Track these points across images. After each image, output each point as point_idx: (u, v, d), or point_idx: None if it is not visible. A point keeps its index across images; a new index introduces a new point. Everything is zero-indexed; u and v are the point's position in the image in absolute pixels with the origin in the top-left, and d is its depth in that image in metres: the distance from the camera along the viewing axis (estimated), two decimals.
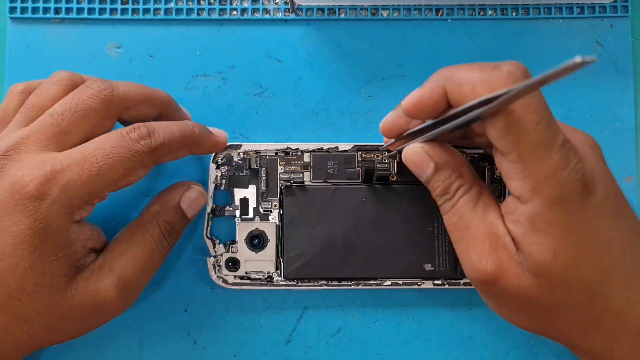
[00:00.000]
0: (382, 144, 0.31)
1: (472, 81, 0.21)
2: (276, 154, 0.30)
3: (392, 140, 0.27)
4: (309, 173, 0.30)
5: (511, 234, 0.22)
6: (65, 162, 0.23)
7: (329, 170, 0.30)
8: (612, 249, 0.22)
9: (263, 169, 0.30)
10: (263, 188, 0.30)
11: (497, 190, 0.31)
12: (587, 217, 0.22)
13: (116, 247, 0.25)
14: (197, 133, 0.26)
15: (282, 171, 0.30)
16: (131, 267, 0.25)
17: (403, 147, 0.25)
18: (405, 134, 0.26)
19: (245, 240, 0.30)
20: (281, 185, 0.30)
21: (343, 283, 0.30)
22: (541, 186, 0.21)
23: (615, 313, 0.22)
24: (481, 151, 0.31)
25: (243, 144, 0.31)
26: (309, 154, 0.30)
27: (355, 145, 0.31)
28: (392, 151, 0.29)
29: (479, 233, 0.23)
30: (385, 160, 0.30)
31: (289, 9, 0.32)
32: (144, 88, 0.27)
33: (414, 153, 0.24)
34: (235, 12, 0.32)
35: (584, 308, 0.22)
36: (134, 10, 0.32)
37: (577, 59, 0.15)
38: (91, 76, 0.27)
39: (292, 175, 0.30)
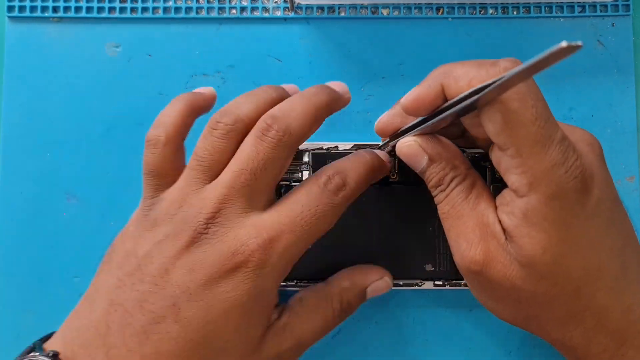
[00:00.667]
0: (382, 143, 0.31)
1: (468, 76, 0.22)
2: None
3: (388, 139, 0.27)
4: (308, 172, 0.30)
5: (503, 225, 0.23)
6: (278, 229, 0.23)
7: None
8: (601, 250, 0.22)
9: None
10: None
11: (499, 191, 0.30)
12: (580, 216, 0.22)
13: (301, 311, 0.26)
14: (377, 165, 0.26)
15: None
16: (310, 335, 0.26)
17: (396, 141, 0.26)
18: (399, 131, 0.26)
19: None
20: (281, 186, 0.30)
21: None
22: (538, 182, 0.21)
23: (597, 310, 0.23)
24: (481, 151, 0.31)
25: None
26: (308, 153, 0.30)
27: (355, 144, 0.31)
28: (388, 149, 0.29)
29: (470, 222, 0.23)
30: None
31: (288, 7, 0.32)
32: (310, 106, 0.25)
33: (408, 146, 0.25)
34: (234, 11, 0.32)
35: (567, 302, 0.23)
36: (133, 9, 0.32)
37: (563, 44, 0.16)
38: (248, 100, 0.25)
39: (292, 175, 0.30)
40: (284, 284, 0.30)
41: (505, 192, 0.23)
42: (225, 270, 0.23)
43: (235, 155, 0.24)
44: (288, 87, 0.27)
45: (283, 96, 0.26)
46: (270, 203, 0.24)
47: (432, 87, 0.23)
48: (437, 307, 0.31)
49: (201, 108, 0.27)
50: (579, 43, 0.15)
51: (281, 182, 0.30)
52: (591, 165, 0.22)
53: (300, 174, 0.30)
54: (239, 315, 0.23)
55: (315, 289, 0.27)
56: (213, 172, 0.24)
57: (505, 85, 0.19)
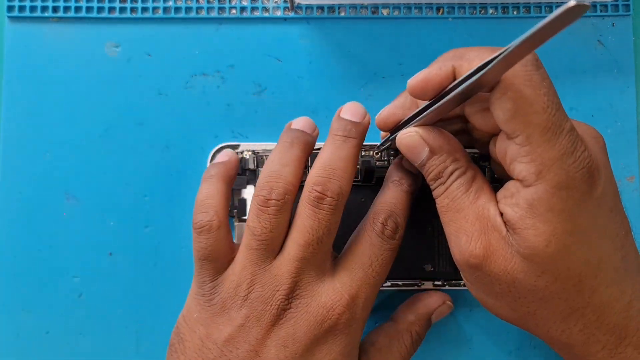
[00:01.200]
0: (381, 141, 0.31)
1: (482, 58, 0.21)
2: None
3: (388, 136, 0.27)
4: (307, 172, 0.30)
5: (506, 217, 0.22)
6: (356, 286, 0.25)
7: None
8: (604, 242, 0.22)
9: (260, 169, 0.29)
10: None
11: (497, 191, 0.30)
12: (587, 208, 0.22)
13: (377, 355, 0.27)
14: (414, 190, 0.27)
15: None
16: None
17: (396, 135, 0.25)
18: (400, 123, 0.26)
19: None
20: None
21: None
22: (547, 170, 0.21)
23: (597, 306, 0.22)
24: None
25: (241, 144, 0.31)
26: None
27: None
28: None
29: (470, 216, 0.23)
30: (382, 156, 0.30)
31: (288, 7, 0.32)
32: (349, 156, 0.25)
33: (408, 136, 0.24)
34: (234, 11, 0.32)
35: (568, 297, 0.22)
36: (133, 9, 0.32)
37: (571, 2, 0.14)
38: (275, 177, 0.25)
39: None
40: None
41: (510, 184, 0.23)
42: (318, 338, 0.24)
43: (297, 228, 0.24)
44: (301, 123, 0.27)
45: (310, 144, 0.27)
46: (333, 259, 0.26)
47: (442, 68, 0.23)
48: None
49: (233, 178, 0.28)
50: (587, 3, 0.14)
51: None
52: (597, 158, 0.22)
53: (307, 170, 0.29)
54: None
55: (384, 328, 0.28)
56: (274, 247, 0.25)
57: (511, 57, 0.19)
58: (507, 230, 0.22)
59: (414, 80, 0.23)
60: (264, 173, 0.25)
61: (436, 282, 0.30)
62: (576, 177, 0.21)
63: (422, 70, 0.23)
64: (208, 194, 0.26)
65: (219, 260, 0.25)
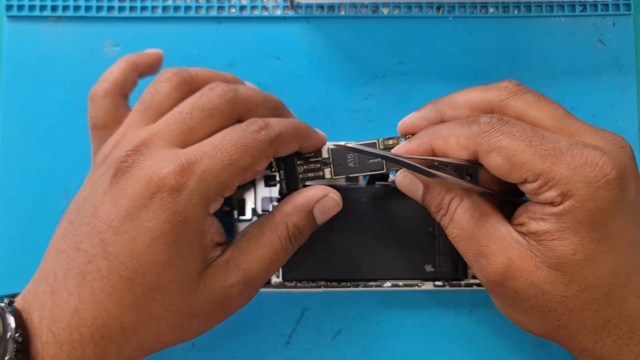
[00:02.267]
0: (381, 140, 0.31)
1: (456, 136, 0.24)
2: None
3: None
4: (329, 169, 0.28)
5: (530, 230, 0.23)
6: (197, 154, 0.23)
7: (349, 164, 0.28)
8: (633, 251, 0.22)
9: (281, 170, 0.28)
10: (284, 190, 0.28)
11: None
12: (615, 216, 0.22)
13: (244, 244, 0.25)
14: (303, 127, 0.27)
15: (301, 170, 0.28)
16: (256, 265, 0.24)
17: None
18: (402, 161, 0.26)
19: None
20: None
21: (342, 284, 0.30)
22: (567, 188, 0.21)
23: (629, 316, 0.22)
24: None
25: None
26: (326, 149, 0.29)
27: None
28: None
29: (483, 239, 0.23)
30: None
31: (288, 6, 0.32)
32: (260, 92, 0.27)
33: (402, 177, 0.26)
34: (233, 10, 0.32)
35: (599, 307, 0.22)
36: (132, 8, 0.32)
37: None
38: (199, 68, 0.26)
39: (312, 174, 0.28)
40: (290, 286, 0.30)
41: (534, 206, 0.23)
42: (144, 199, 0.22)
43: (184, 101, 0.25)
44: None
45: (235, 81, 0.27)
46: None
47: (421, 146, 0.25)
48: (437, 307, 0.31)
49: (145, 66, 0.28)
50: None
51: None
52: (625, 166, 0.22)
53: (321, 172, 0.29)
54: (165, 246, 0.22)
55: (259, 219, 0.26)
56: (151, 113, 0.25)
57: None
58: (530, 243, 0.23)
59: (401, 126, 0.27)
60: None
61: (437, 283, 0.30)
62: (599, 187, 0.21)
63: (404, 142, 0.26)
64: (108, 71, 0.26)
65: (102, 128, 0.25)
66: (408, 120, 0.27)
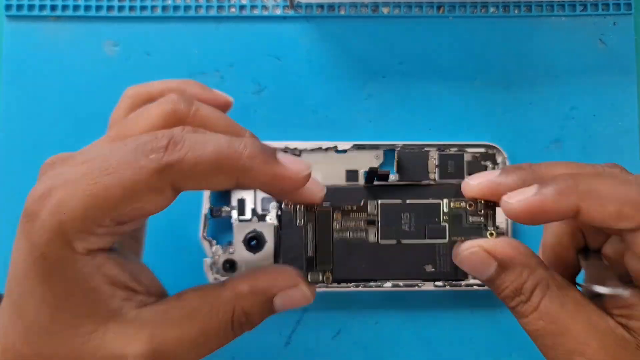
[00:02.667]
0: (382, 143, 0.31)
1: (619, 198, 0.18)
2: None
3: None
4: (375, 231, 0.24)
5: (635, 328, 0.19)
6: (64, 178, 0.18)
7: (404, 227, 0.23)
8: None
9: (310, 223, 0.24)
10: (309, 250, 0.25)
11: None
12: None
13: (173, 311, 0.20)
14: (245, 154, 0.19)
15: (338, 227, 0.24)
16: (174, 345, 0.19)
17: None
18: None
19: (243, 241, 0.30)
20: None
21: (342, 285, 0.30)
22: None
23: None
24: (482, 150, 0.31)
25: None
26: (374, 204, 0.25)
27: (354, 144, 0.30)
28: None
29: (581, 335, 0.19)
30: (479, 211, 0.23)
31: (288, 5, 0.32)
32: (212, 153, 0.19)
33: (470, 253, 0.21)
34: (233, 9, 0.32)
35: None
36: (131, 8, 0.32)
37: None
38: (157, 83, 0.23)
39: (353, 234, 0.24)
40: None
41: (631, 296, 0.19)
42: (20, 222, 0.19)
43: None
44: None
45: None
46: None
47: (561, 202, 0.18)
48: (437, 308, 0.31)
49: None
50: None
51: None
52: None
53: (364, 232, 0.26)
54: (37, 282, 0.18)
55: (206, 287, 0.21)
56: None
57: None
58: (638, 340, 0.19)
59: (473, 188, 0.21)
60: None
61: (437, 283, 0.30)
62: None
63: (485, 177, 0.20)
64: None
65: None
66: (485, 180, 0.20)
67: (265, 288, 0.21)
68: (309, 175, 0.20)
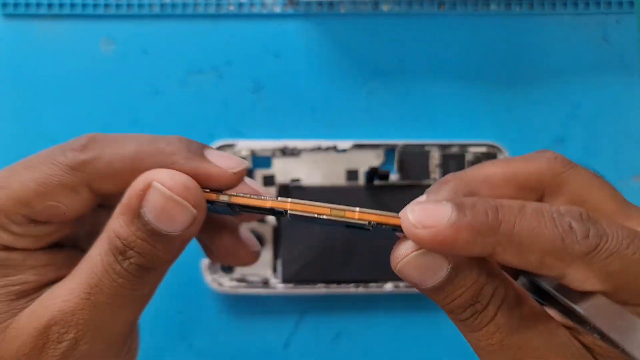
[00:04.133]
0: (382, 142, 0.30)
1: (540, 245, 0.16)
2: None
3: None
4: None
5: (594, 342, 0.17)
6: None
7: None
8: None
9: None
10: None
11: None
12: None
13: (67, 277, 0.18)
14: (166, 151, 0.18)
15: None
16: (70, 297, 0.18)
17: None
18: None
19: None
20: (279, 187, 0.30)
21: (342, 286, 0.29)
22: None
23: None
24: (484, 149, 0.30)
25: (238, 141, 0.30)
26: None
27: (354, 143, 0.30)
28: None
29: (541, 349, 0.17)
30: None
31: (287, 3, 0.32)
32: (132, 152, 0.18)
33: (422, 255, 0.17)
34: (231, 7, 0.32)
35: None
36: (128, 6, 0.32)
37: None
38: None
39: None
40: (284, 286, 0.29)
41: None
42: None
43: None
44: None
45: None
46: None
47: (476, 246, 0.16)
48: (437, 309, 0.30)
49: None
50: None
51: (278, 185, 0.30)
52: None
53: None
54: None
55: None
56: None
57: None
58: (595, 355, 0.17)
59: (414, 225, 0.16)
60: None
61: None
62: None
63: (423, 207, 0.17)
64: None
65: None
66: (423, 213, 0.16)
67: (125, 200, 0.18)
68: (242, 173, 0.19)
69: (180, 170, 0.18)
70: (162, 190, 0.17)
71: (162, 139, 0.19)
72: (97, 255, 0.18)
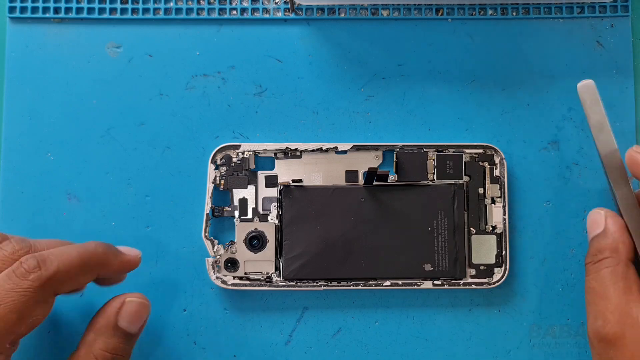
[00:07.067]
0: (381, 143, 0.31)
1: None
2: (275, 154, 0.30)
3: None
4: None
5: None
6: None
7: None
8: None
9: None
10: None
11: (498, 190, 0.31)
12: None
13: None
14: (100, 252, 0.24)
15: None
16: None
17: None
18: None
19: (245, 240, 0.30)
20: (280, 186, 0.30)
21: (343, 283, 0.30)
22: None
23: None
24: (480, 151, 0.31)
25: (242, 144, 0.31)
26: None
27: (354, 145, 0.31)
28: None
29: (612, 305, 0.24)
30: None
31: (288, 8, 0.32)
32: (77, 256, 0.23)
33: (595, 212, 0.26)
34: (235, 12, 0.32)
35: None
36: (134, 10, 0.32)
37: None
38: (12, 237, 0.24)
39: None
40: (286, 283, 0.30)
41: None
42: None
43: None
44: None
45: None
46: None
47: None
48: (436, 306, 0.31)
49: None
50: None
51: (280, 185, 0.30)
52: None
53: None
54: None
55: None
56: None
57: None
58: None
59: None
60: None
61: (436, 282, 0.30)
62: None
63: None
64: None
65: None
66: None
67: (104, 323, 0.24)
68: (140, 256, 0.27)
69: (114, 264, 0.25)
70: (135, 300, 0.25)
71: (89, 245, 0.24)
72: None
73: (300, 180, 0.30)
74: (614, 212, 0.26)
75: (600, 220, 0.26)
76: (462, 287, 0.30)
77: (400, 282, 0.30)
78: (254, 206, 0.31)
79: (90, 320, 0.25)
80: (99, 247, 0.25)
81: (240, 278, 0.30)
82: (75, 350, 0.25)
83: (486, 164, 0.31)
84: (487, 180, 0.31)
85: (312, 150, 0.31)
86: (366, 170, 0.30)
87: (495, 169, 0.31)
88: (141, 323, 0.25)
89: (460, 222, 0.30)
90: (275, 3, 0.32)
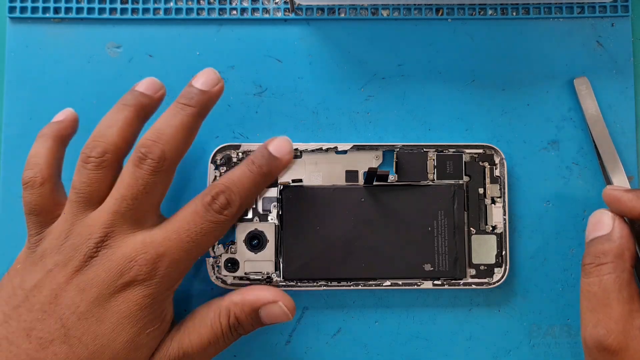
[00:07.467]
0: (381, 143, 0.31)
1: None
2: None
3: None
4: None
5: None
6: (166, 245, 0.25)
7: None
8: None
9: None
10: None
11: (498, 190, 0.31)
12: None
13: (189, 323, 0.26)
14: (265, 172, 0.27)
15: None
16: (196, 347, 0.26)
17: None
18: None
19: (245, 240, 0.30)
20: (280, 186, 0.30)
21: (343, 283, 0.30)
22: None
23: None
24: (480, 151, 0.31)
25: (242, 144, 0.31)
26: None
27: (354, 145, 0.31)
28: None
29: (615, 314, 0.23)
30: None
31: (288, 8, 0.32)
32: (179, 125, 0.26)
33: (600, 212, 0.26)
34: (235, 12, 0.32)
35: None
36: (134, 10, 0.32)
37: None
38: (120, 133, 0.26)
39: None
40: (286, 283, 0.30)
41: None
42: (116, 286, 0.24)
43: (117, 184, 0.25)
44: (144, 85, 0.28)
45: (145, 106, 0.27)
46: (158, 220, 0.26)
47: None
48: (436, 306, 0.31)
49: (68, 136, 0.28)
50: None
51: (279, 184, 0.30)
52: None
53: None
54: (129, 325, 0.24)
55: (209, 302, 0.27)
56: (94, 201, 0.26)
57: None
58: None
59: (611, 197, 0.26)
60: (93, 133, 0.26)
61: (436, 282, 0.30)
62: None
63: (619, 190, 0.25)
64: (36, 152, 0.27)
65: (42, 214, 0.26)
66: (618, 194, 0.26)
67: (251, 300, 0.26)
68: (290, 150, 0.28)
69: (275, 172, 0.28)
70: (282, 308, 0.27)
71: (255, 167, 0.27)
72: (218, 322, 0.26)
73: (301, 180, 0.30)
74: (621, 217, 0.25)
75: (607, 222, 0.25)
76: (462, 287, 0.30)
77: (400, 282, 0.30)
78: (254, 206, 0.31)
79: (245, 287, 0.28)
80: (263, 165, 0.27)
81: (241, 278, 0.30)
82: (219, 298, 0.27)
83: (486, 164, 0.31)
84: (487, 180, 0.31)
85: (312, 150, 0.31)
86: (366, 170, 0.30)
87: (495, 169, 0.31)
88: (273, 323, 0.27)
89: (460, 222, 0.30)
90: (275, 3, 0.32)
